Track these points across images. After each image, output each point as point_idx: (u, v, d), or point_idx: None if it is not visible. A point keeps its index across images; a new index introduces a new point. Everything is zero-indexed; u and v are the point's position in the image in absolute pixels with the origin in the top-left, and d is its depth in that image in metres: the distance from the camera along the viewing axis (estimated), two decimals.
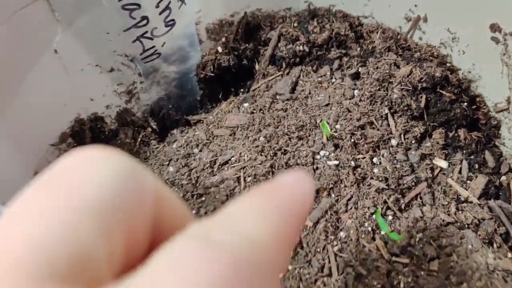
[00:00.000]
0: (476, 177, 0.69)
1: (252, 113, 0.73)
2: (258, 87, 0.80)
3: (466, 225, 0.63)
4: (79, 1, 0.65)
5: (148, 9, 0.66)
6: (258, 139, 0.67)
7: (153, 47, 0.71)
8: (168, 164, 0.70)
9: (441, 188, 0.69)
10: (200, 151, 0.70)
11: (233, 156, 0.66)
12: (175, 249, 0.17)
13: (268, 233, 0.19)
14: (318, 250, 0.60)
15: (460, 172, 0.70)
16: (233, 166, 0.65)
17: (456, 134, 0.72)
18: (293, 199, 0.22)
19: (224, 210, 0.20)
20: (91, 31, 0.68)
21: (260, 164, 0.64)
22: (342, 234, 0.62)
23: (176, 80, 0.82)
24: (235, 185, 0.63)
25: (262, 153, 0.65)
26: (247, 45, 0.80)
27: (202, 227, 0.19)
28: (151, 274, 0.16)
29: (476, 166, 0.71)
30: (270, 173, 0.63)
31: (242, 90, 0.83)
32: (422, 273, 0.58)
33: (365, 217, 0.62)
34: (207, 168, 0.66)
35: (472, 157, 0.72)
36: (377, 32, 0.79)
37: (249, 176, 0.63)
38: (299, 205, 0.22)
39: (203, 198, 0.64)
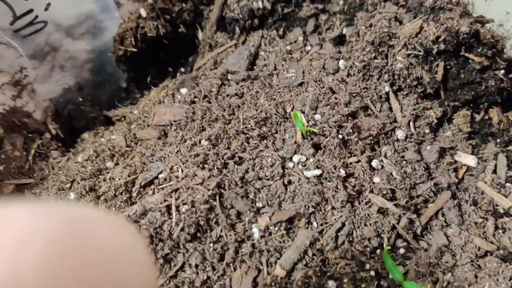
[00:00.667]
0: None
1: (193, 102, 0.51)
2: (204, 64, 0.56)
3: None
4: None
5: None
6: (199, 143, 0.45)
7: (30, 11, 0.47)
8: (70, 188, 0.47)
9: (470, 197, 0.47)
10: (116, 165, 0.47)
11: (161, 172, 0.43)
12: None
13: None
14: None
15: (495, 171, 0.50)
16: (161, 188, 0.42)
17: (486, 116, 0.51)
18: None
19: None
20: None
21: (202, 183, 0.41)
22: (331, 284, 0.40)
23: (89, 62, 0.59)
24: (163, 219, 0.41)
25: (205, 165, 0.43)
26: (183, 4, 0.56)
27: None
28: None
29: None
30: (217, 196, 0.41)
31: (183, 70, 0.60)
32: None
33: (365, 255, 0.41)
34: (123, 192, 0.43)
35: (510, 147, 0.51)
36: None
37: (184, 204, 0.41)
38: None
39: None
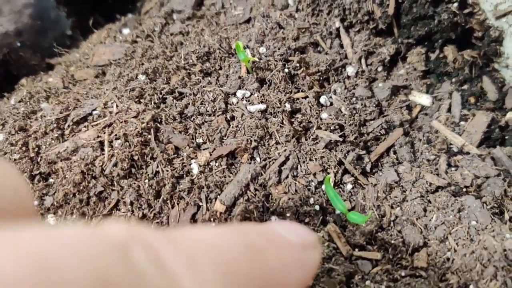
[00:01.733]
0: (474, 115, 0.47)
1: (134, 42, 0.48)
2: (151, 8, 0.53)
3: (465, 189, 0.42)
4: None
5: None
6: (136, 77, 0.42)
7: None
8: (1, 130, 0.44)
9: (423, 135, 0.46)
10: (50, 104, 0.44)
11: (95, 109, 0.40)
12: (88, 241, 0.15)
13: None
14: None
15: (449, 110, 0.48)
16: (94, 125, 0.40)
17: (441, 55, 0.49)
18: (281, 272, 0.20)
19: (184, 230, 0.18)
20: None
21: (136, 116, 0.39)
22: (273, 219, 0.38)
23: (29, 7, 0.55)
24: (95, 154, 0.38)
25: (141, 100, 0.40)
26: None
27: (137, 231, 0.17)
28: None
29: (472, 99, 0.49)
30: (152, 129, 0.38)
31: (131, 16, 0.56)
32: (402, 273, 0.35)
33: (309, 189, 0.39)
34: (53, 130, 0.40)
35: (465, 87, 0.50)
36: None
37: (117, 139, 0.38)
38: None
39: (49, 181, 0.39)
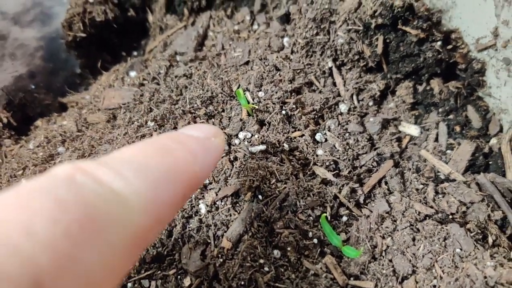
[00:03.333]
0: (459, 144, 0.51)
1: (142, 85, 0.51)
2: (155, 47, 0.57)
3: (451, 216, 0.45)
4: None
5: None
6: (146, 124, 0.46)
7: None
8: (22, 174, 0.47)
9: (413, 165, 0.50)
10: (66, 150, 0.48)
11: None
12: (42, 179, 0.21)
13: (141, 191, 0.23)
14: (243, 283, 0.41)
15: (436, 139, 0.52)
16: None
17: (428, 87, 0.53)
18: (187, 160, 0.27)
19: (112, 154, 0.25)
20: None
21: None
22: (276, 253, 0.42)
23: (40, 49, 0.58)
24: None
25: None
26: None
27: (77, 165, 0.23)
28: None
29: (458, 128, 0.52)
30: None
31: (136, 53, 0.60)
32: None
33: (308, 224, 0.43)
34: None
35: (451, 116, 0.53)
36: None
37: None
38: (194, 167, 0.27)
39: None
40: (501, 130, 0.55)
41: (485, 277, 0.40)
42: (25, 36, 0.57)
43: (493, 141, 0.54)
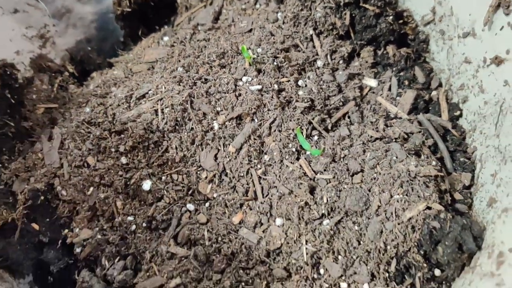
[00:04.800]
0: (405, 92, 0.68)
1: (172, 45, 0.70)
2: (181, 21, 0.75)
3: (394, 140, 0.63)
4: None
5: None
6: (177, 69, 0.64)
7: None
8: (85, 105, 0.66)
9: (370, 107, 0.67)
10: (118, 88, 0.66)
11: (150, 90, 0.63)
12: None
13: None
14: (242, 175, 0.59)
15: (389, 89, 0.69)
16: (150, 99, 0.62)
17: (385, 52, 0.71)
18: None
19: None
20: None
21: (178, 93, 0.61)
22: (266, 157, 0.60)
23: (94, 21, 0.77)
24: (152, 117, 0.60)
25: (180, 83, 0.62)
26: None
27: None
28: None
29: (406, 82, 0.70)
30: (189, 102, 0.60)
31: (166, 27, 0.79)
32: (345, 186, 0.57)
33: (289, 139, 0.61)
34: (123, 103, 0.62)
35: (402, 73, 0.70)
36: None
37: (166, 108, 0.60)
38: None
39: (122, 135, 0.61)
40: (440, 85, 0.72)
41: (408, 170, 0.57)
42: (84, 11, 0.76)
43: (434, 93, 0.71)
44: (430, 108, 0.69)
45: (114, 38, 0.79)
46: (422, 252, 0.53)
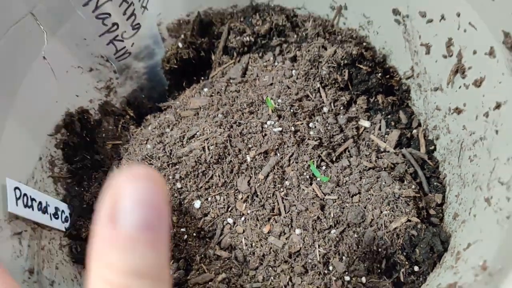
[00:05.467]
0: (392, 131, 0.88)
1: (211, 96, 0.89)
2: (215, 74, 0.96)
3: (383, 169, 0.82)
4: (59, 14, 0.79)
5: (117, 16, 0.81)
6: (217, 116, 0.84)
7: (124, 47, 0.86)
8: (146, 143, 0.86)
9: (365, 143, 0.87)
10: (171, 130, 0.86)
11: (198, 131, 0.82)
12: None
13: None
14: (269, 196, 0.78)
15: (380, 129, 0.89)
16: (199, 139, 0.81)
17: (375, 100, 0.91)
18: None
19: None
20: (71, 38, 0.82)
21: (220, 135, 0.80)
22: (287, 182, 0.79)
23: (146, 74, 0.97)
24: (201, 153, 0.80)
25: (221, 127, 0.82)
26: (203, 39, 0.96)
27: None
28: None
29: (392, 123, 0.89)
30: (228, 141, 0.80)
31: (202, 78, 0.99)
32: (347, 205, 0.76)
33: (303, 169, 0.80)
34: (178, 142, 0.82)
35: (389, 116, 0.90)
36: (309, 21, 0.96)
37: (211, 145, 0.80)
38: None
39: (177, 166, 0.80)
40: (419, 125, 0.92)
41: (394, 193, 0.76)
42: (138, 66, 0.96)
43: (414, 131, 0.91)
44: (411, 143, 0.88)
45: (161, 87, 0.99)
46: (405, 253, 0.72)
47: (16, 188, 0.70)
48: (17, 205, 0.69)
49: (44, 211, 0.75)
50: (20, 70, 0.77)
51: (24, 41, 0.76)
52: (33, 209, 0.73)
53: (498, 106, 0.65)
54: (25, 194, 0.72)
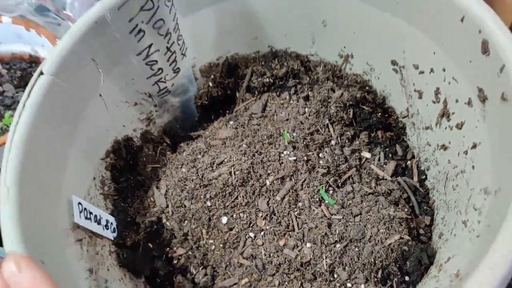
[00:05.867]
0: (389, 162, 1.03)
1: (236, 128, 1.06)
2: (239, 108, 1.12)
3: (381, 194, 0.97)
4: (114, 59, 0.96)
5: (162, 63, 0.98)
6: (242, 145, 1.00)
7: (166, 87, 1.03)
8: (181, 167, 1.01)
9: (366, 171, 1.02)
10: (203, 156, 1.02)
11: (225, 158, 0.98)
12: None
13: None
14: (285, 215, 0.93)
15: (379, 159, 1.04)
16: (226, 165, 0.97)
17: (376, 135, 1.06)
18: None
19: None
20: (122, 79, 0.99)
21: (244, 162, 0.96)
22: (300, 204, 0.94)
23: (180, 107, 1.14)
24: (228, 177, 0.95)
25: (245, 155, 0.98)
26: (229, 79, 1.12)
27: None
28: None
29: (390, 155, 1.05)
30: (251, 167, 0.96)
31: (228, 111, 1.15)
32: (350, 224, 0.91)
33: (314, 192, 0.95)
34: (209, 167, 0.98)
35: (387, 149, 1.06)
36: (320, 66, 1.13)
37: (237, 171, 0.95)
38: None
39: (208, 188, 0.96)
40: (413, 157, 1.07)
41: (389, 215, 0.91)
42: (174, 101, 1.11)
43: (408, 162, 1.06)
44: (406, 172, 1.03)
45: (192, 118, 1.15)
46: (397, 265, 0.87)
47: (79, 203, 0.85)
48: (80, 217, 0.85)
49: (98, 222, 0.91)
50: (81, 106, 0.93)
51: (85, 82, 0.92)
52: (91, 221, 0.88)
53: (474, 146, 0.80)
54: (85, 208, 0.87)
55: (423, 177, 1.00)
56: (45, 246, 0.74)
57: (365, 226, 0.89)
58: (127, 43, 0.87)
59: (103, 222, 0.92)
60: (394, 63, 1.00)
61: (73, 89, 0.88)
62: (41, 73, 0.81)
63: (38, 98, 0.79)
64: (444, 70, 0.87)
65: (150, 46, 0.90)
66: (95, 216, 0.90)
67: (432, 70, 0.90)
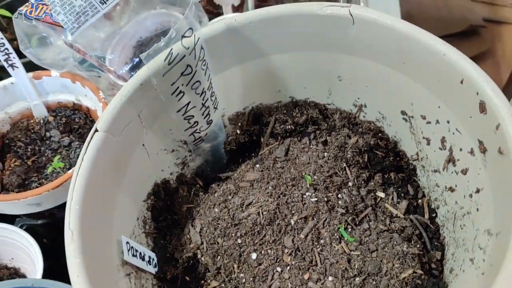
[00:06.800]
0: (402, 201, 1.13)
1: (262, 171, 1.18)
2: (264, 152, 1.25)
3: (395, 231, 1.07)
4: (156, 114, 1.10)
5: (198, 117, 1.10)
6: (268, 188, 1.11)
7: (200, 137, 1.16)
8: (213, 207, 1.13)
9: (381, 210, 1.12)
10: (233, 197, 1.14)
11: (253, 200, 1.10)
12: None
13: None
14: (308, 251, 1.03)
15: (392, 199, 1.15)
16: (254, 206, 1.09)
17: (389, 176, 1.17)
18: None
19: None
20: (162, 130, 1.12)
21: (270, 203, 1.07)
22: (321, 241, 1.05)
23: (210, 151, 1.26)
24: (257, 217, 1.07)
25: (271, 197, 1.09)
26: (255, 127, 1.25)
27: None
28: None
29: (402, 195, 1.15)
30: (277, 208, 1.07)
31: (253, 154, 1.27)
32: (368, 259, 1.01)
33: (334, 230, 1.06)
34: (239, 208, 1.09)
35: (399, 189, 1.16)
36: (336, 114, 1.25)
37: (265, 211, 1.07)
38: None
39: (238, 226, 1.07)
40: (423, 196, 1.17)
41: (403, 251, 1.00)
42: (205, 146, 1.23)
43: (419, 201, 1.16)
44: (417, 211, 1.13)
45: (221, 162, 1.27)
46: None
47: (127, 242, 0.97)
48: (128, 254, 0.96)
49: (143, 259, 1.02)
50: (128, 156, 1.06)
51: (132, 135, 1.05)
52: (137, 258, 1.00)
53: (478, 190, 0.90)
54: (132, 247, 0.99)
55: (434, 214, 1.09)
56: (103, 280, 0.86)
57: (381, 261, 0.99)
58: (169, 102, 1.01)
59: (146, 258, 1.04)
60: (403, 113, 1.12)
61: (122, 142, 1.01)
62: (96, 130, 0.95)
63: (93, 152, 0.92)
64: (448, 122, 0.98)
65: (188, 103, 1.03)
66: (140, 253, 1.02)
67: (437, 121, 1.01)
